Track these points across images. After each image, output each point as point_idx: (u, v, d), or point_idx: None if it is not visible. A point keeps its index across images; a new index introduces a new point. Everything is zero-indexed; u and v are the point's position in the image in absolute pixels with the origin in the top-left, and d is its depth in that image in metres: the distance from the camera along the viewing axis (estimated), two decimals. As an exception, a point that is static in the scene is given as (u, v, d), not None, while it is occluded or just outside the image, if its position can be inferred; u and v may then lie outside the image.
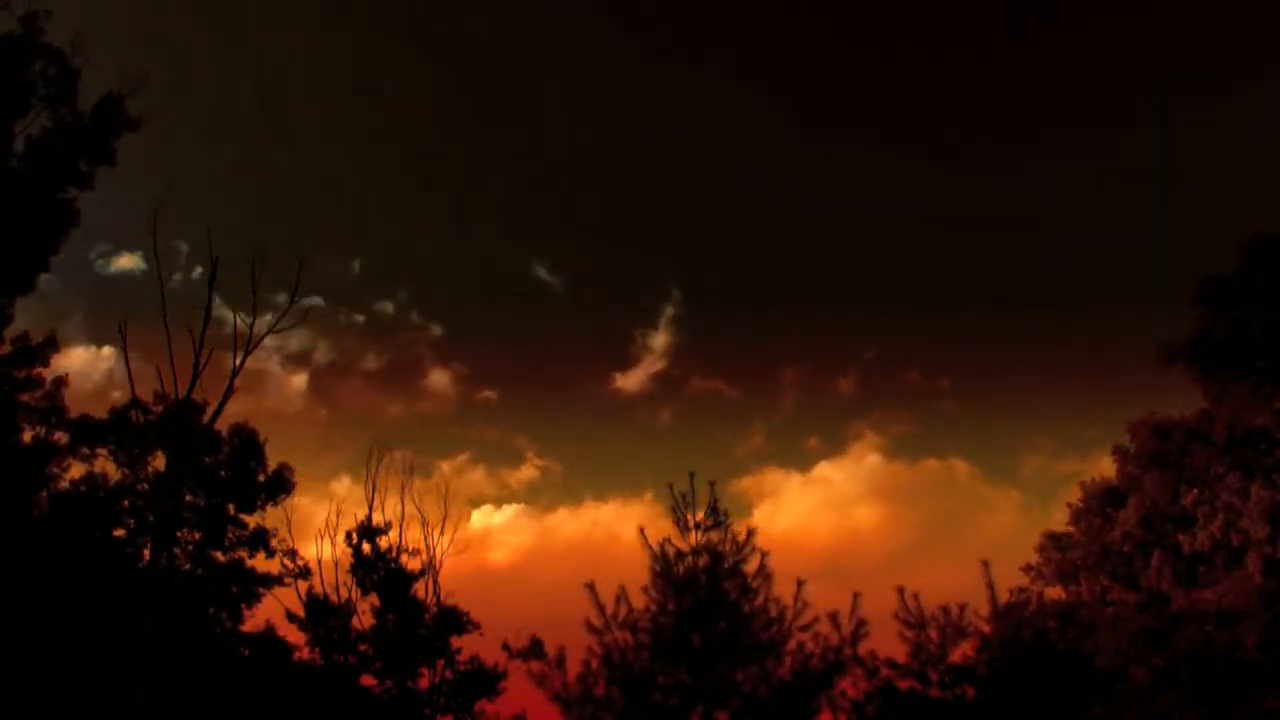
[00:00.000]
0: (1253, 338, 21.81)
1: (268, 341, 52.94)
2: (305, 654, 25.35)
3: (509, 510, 51.94)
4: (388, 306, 56.12)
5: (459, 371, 55.83)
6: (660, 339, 54.21)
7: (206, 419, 24.57)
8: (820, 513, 49.57)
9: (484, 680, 25.71)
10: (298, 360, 54.07)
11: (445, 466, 55.12)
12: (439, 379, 55.58)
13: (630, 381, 54.54)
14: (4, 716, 17.84)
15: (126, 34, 49.15)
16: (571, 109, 63.92)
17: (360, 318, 55.45)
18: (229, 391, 25.07)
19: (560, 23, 62.94)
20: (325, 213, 61.51)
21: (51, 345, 22.85)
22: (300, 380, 53.35)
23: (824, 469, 51.66)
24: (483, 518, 49.67)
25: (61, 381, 23.25)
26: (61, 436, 23.22)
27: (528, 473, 54.66)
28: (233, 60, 61.73)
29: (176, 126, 53.73)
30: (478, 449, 59.19)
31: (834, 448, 57.24)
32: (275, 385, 51.90)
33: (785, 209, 60.20)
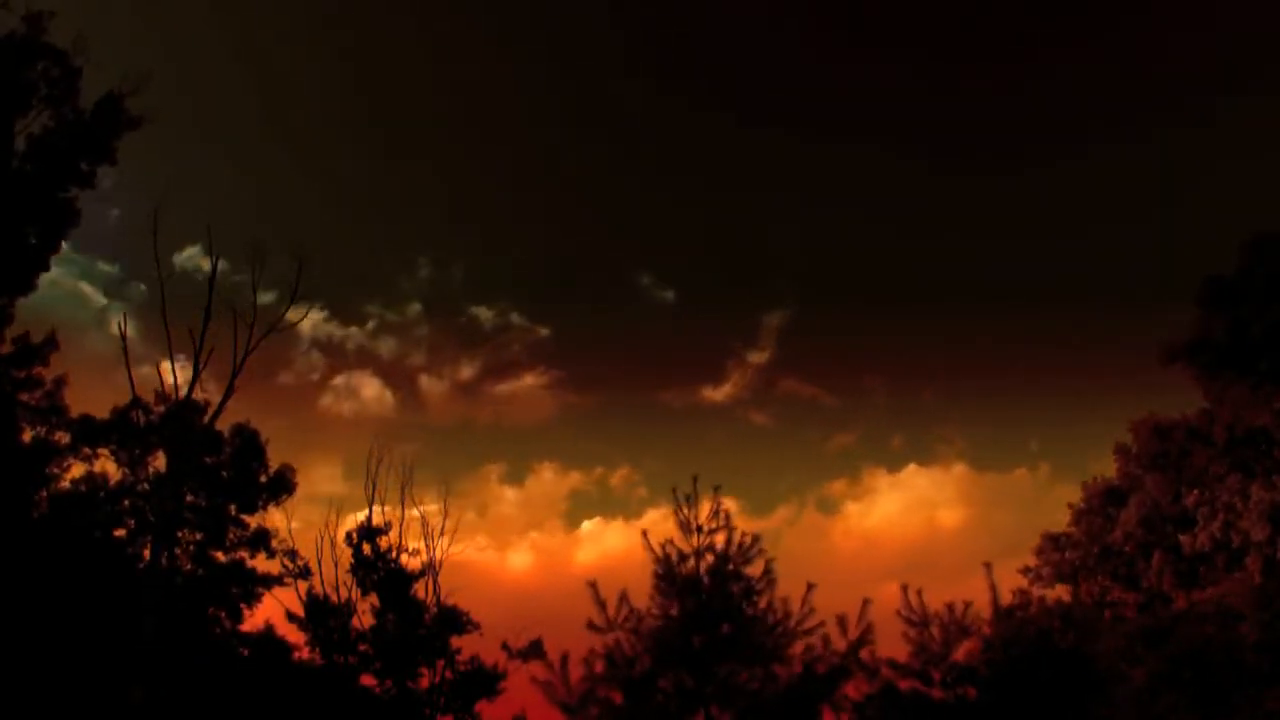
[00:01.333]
0: (1253, 338, 21.81)
1: (357, 345, 53.20)
2: (305, 654, 25.35)
3: (601, 513, 51.91)
4: (487, 312, 55.78)
5: (556, 377, 55.52)
6: (759, 345, 54.21)
7: (207, 419, 24.54)
8: (906, 513, 50.03)
9: (484, 680, 25.69)
10: (392, 366, 54.01)
11: (545, 470, 54.92)
12: (536, 384, 55.36)
13: (728, 388, 54.56)
14: (4, 717, 17.82)
15: (128, 33, 49.11)
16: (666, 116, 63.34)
17: (461, 322, 55.59)
18: (229, 392, 25.03)
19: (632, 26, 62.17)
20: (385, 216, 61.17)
21: (51, 344, 22.83)
22: (393, 385, 53.58)
23: (911, 471, 52.21)
24: (577, 522, 49.79)
25: (62, 381, 23.22)
26: (62, 436, 23.19)
27: (623, 477, 54.26)
28: (235, 59, 61.63)
29: (179, 126, 53.68)
30: (572, 455, 58.79)
31: (921, 451, 57.69)
32: (371, 391, 52.22)
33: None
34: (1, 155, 20.63)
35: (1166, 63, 55.92)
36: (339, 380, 51.59)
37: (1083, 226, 57.40)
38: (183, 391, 24.20)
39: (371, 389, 52.64)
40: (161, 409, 24.25)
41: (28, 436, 22.74)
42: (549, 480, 54.01)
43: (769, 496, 55.92)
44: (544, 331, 54.86)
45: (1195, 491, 23.11)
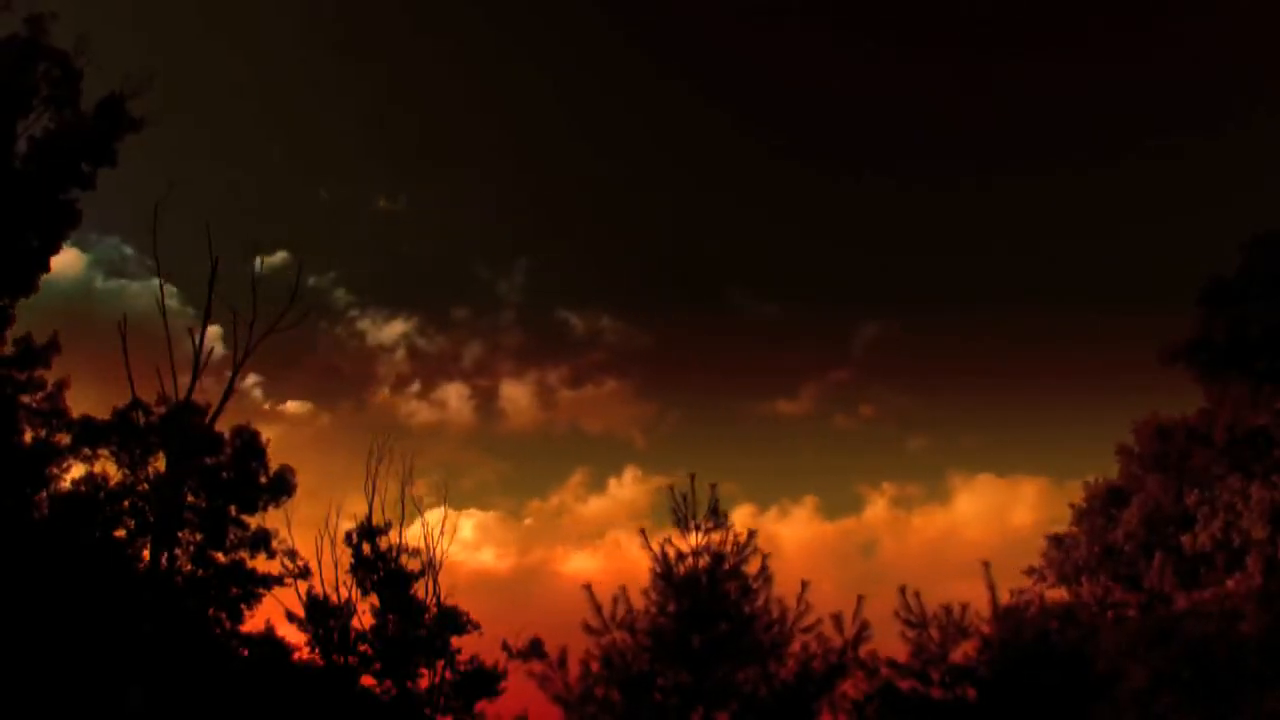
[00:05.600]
0: (1252, 338, 21.78)
1: (442, 351, 53.21)
2: (305, 654, 25.38)
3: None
4: (575, 319, 55.46)
5: (635, 384, 55.35)
6: (843, 357, 54.41)
7: (208, 420, 24.58)
8: (984, 518, 49.88)
9: (484, 680, 25.72)
10: (478, 372, 54.01)
11: (620, 481, 54.63)
12: (614, 392, 55.15)
13: (812, 397, 54.59)
14: (4, 717, 17.86)
15: (130, 33, 49.25)
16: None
17: (550, 327, 55.49)
18: (229, 392, 25.08)
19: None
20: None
21: (54, 347, 22.90)
22: (478, 391, 53.16)
23: (988, 478, 51.98)
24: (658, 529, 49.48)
25: (63, 383, 23.28)
26: (63, 438, 23.24)
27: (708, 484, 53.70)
28: (236, 58, 61.81)
29: (179, 125, 53.74)
30: (653, 462, 58.16)
31: (998, 457, 57.17)
32: (455, 398, 52.22)
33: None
34: (3, 157, 20.72)
35: (1171, 64, 55.98)
36: (426, 388, 51.62)
37: (1087, 228, 57.45)
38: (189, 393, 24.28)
39: (457, 396, 52.56)
40: (162, 410, 24.30)
41: (28, 438, 22.82)
42: (631, 486, 53.50)
43: (850, 499, 56.09)
44: (634, 338, 54.94)
45: (1196, 491, 23.07)
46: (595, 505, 54.05)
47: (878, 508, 52.07)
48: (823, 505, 55.05)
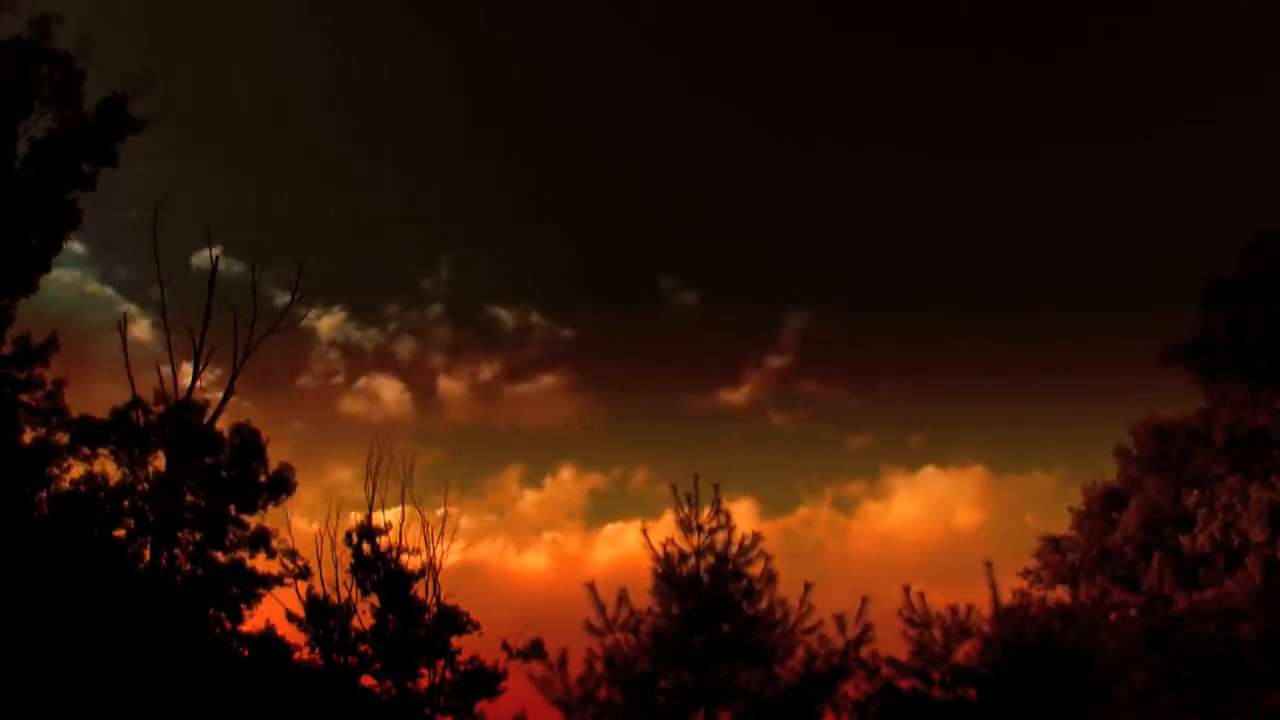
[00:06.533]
0: (1252, 338, 21.83)
1: (376, 346, 53.24)
2: (305, 654, 25.34)
3: (621, 515, 51.66)
4: (507, 314, 55.45)
5: (576, 379, 55.27)
6: (778, 348, 54.53)
7: (207, 419, 24.56)
8: (925, 515, 49.80)
9: (484, 680, 25.68)
10: (411, 367, 53.78)
11: (556, 477, 54.74)
12: (556, 386, 55.06)
13: (747, 390, 54.59)
14: (3, 717, 17.84)
15: (131, 32, 49.16)
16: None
17: (481, 323, 55.51)
18: (229, 392, 25.06)
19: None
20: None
21: (52, 345, 22.88)
22: (412, 387, 53.11)
23: (929, 473, 51.93)
24: (596, 523, 50.01)
25: (62, 382, 23.26)
26: (62, 437, 23.22)
27: (643, 479, 53.22)
28: (238, 58, 61.82)
29: (179, 126, 53.70)
30: (588, 458, 58.29)
31: (939, 452, 57.28)
32: (389, 393, 52.11)
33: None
34: (4, 157, 20.71)
35: (1171, 64, 56.11)
36: (357, 382, 51.77)
37: (1089, 228, 57.54)
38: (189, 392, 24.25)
39: (390, 390, 52.72)
40: (161, 409, 24.27)
41: (28, 437, 22.81)
42: (568, 482, 53.68)
43: (788, 497, 56.24)
44: (565, 333, 54.66)
45: (1195, 492, 23.09)
46: (532, 500, 54.21)
47: (818, 507, 52.22)
48: (762, 504, 54.92)
